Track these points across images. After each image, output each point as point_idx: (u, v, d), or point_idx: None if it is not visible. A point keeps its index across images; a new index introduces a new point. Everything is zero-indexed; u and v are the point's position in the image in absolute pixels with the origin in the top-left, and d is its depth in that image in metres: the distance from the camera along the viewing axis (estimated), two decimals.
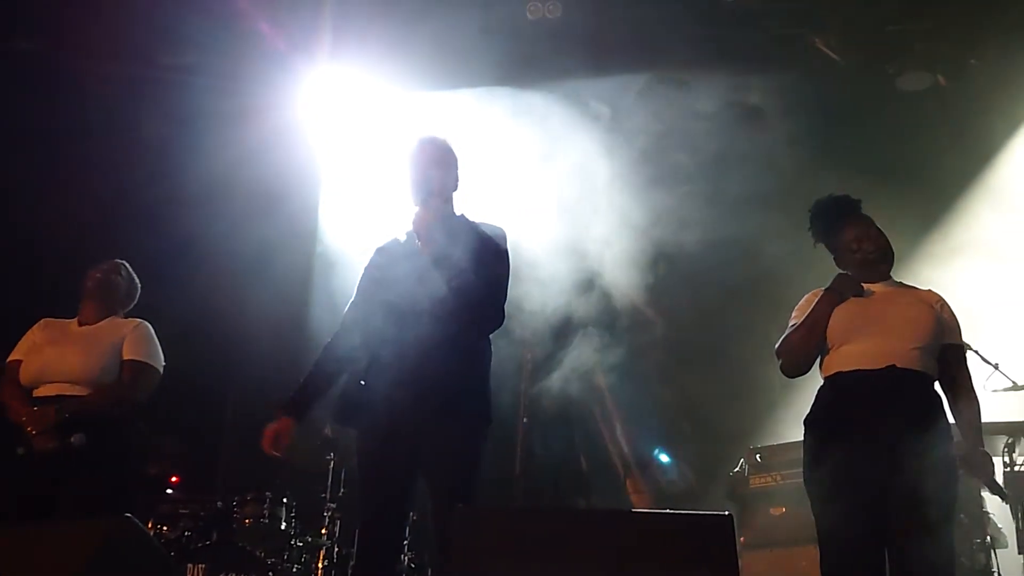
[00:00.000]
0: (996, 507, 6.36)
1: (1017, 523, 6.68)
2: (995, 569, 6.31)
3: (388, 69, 8.63)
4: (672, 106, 7.93)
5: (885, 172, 8.21)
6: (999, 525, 6.47)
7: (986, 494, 5.94)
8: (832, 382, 4.68)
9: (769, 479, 7.09)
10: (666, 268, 8.05)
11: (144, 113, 8.84)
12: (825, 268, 5.03)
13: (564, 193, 7.55)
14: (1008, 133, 9.26)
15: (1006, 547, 6.47)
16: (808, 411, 4.76)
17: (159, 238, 8.63)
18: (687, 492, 7.87)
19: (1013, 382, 6.71)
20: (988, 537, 6.34)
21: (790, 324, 4.85)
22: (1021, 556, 6.60)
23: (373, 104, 8.85)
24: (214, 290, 8.77)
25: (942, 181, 9.10)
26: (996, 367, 6.70)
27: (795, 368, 4.81)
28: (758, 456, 7.26)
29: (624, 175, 7.74)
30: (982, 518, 6.33)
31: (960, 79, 8.96)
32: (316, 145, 9.25)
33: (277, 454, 4.66)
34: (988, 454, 4.62)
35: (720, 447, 8.06)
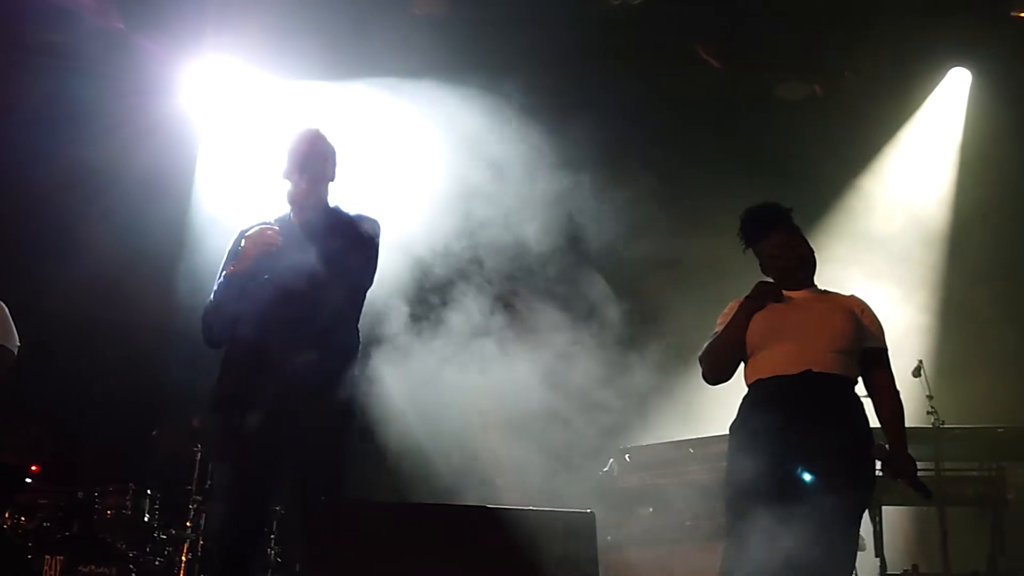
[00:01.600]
0: None
1: (875, 526, 6.86)
2: (853, 571, 6.44)
3: (268, 59, 8.50)
4: (549, 105, 7.95)
5: (762, 180, 8.31)
6: None
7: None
8: (753, 389, 4.72)
9: (637, 479, 7.14)
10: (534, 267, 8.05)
11: (12, 96, 8.58)
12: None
13: (436, 187, 7.51)
14: (879, 145, 9.49)
15: (864, 550, 6.62)
16: (734, 417, 4.81)
17: (29, 223, 8.41)
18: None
19: None
20: None
21: (713, 332, 4.90)
22: (878, 559, 6.77)
23: (251, 93, 8.72)
24: (81, 277, 8.57)
25: (815, 192, 9.26)
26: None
27: (715, 375, 4.86)
28: (627, 456, 7.31)
29: (497, 169, 7.73)
30: None
31: (835, 90, 9.15)
32: (193, 133, 9.07)
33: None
34: (911, 456, 4.69)
35: (589, 446, 8.09)
